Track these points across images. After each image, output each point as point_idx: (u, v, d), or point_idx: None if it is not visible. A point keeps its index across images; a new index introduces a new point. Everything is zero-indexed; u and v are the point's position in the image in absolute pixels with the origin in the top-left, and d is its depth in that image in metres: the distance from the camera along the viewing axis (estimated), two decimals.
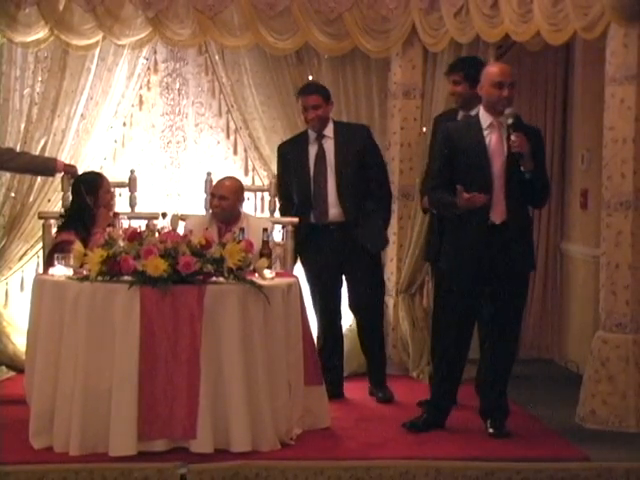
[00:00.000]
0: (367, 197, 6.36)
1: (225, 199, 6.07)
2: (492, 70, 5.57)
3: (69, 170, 6.52)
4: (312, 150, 6.37)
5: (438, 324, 6.01)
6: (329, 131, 6.37)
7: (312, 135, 6.39)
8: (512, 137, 5.42)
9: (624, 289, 5.85)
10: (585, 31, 5.86)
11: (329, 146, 6.35)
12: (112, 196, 6.29)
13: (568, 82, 7.68)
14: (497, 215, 5.48)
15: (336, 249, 6.33)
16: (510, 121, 5.46)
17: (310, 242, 6.37)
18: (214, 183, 6.32)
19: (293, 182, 6.43)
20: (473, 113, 5.89)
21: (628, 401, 5.80)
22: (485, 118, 5.54)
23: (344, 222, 6.32)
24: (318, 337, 6.35)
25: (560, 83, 7.72)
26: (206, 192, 6.71)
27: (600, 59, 6.12)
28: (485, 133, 5.52)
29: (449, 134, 5.63)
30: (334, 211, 6.33)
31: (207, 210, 6.41)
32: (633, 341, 5.83)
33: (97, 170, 6.73)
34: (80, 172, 6.59)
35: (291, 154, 6.46)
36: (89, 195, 6.18)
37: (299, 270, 6.84)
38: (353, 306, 6.53)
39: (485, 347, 5.76)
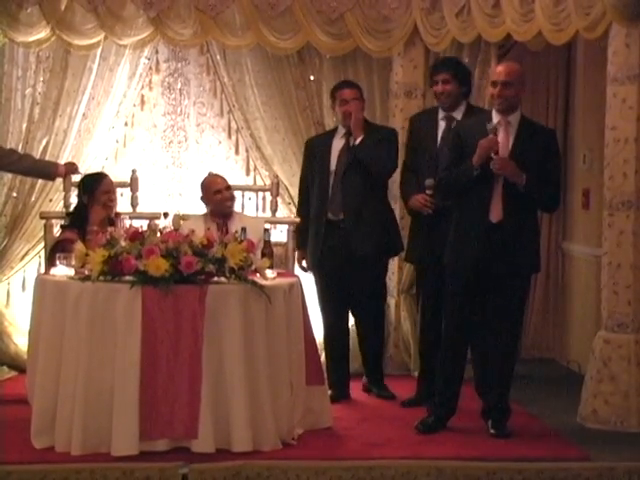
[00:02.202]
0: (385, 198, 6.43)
1: (230, 188, 6.27)
2: (494, 69, 5.60)
3: (70, 170, 6.52)
4: (338, 144, 6.35)
5: (425, 324, 6.20)
6: None
7: (341, 130, 6.38)
8: (493, 158, 5.40)
9: (626, 289, 5.85)
10: (587, 31, 5.86)
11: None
12: (111, 197, 6.27)
13: (570, 82, 7.68)
14: (494, 214, 5.47)
15: (347, 247, 6.29)
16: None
17: (325, 238, 6.32)
18: (202, 188, 6.31)
19: (314, 173, 6.40)
20: (455, 114, 6.03)
21: (630, 401, 5.80)
22: (495, 117, 5.54)
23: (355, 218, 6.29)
24: (324, 337, 6.36)
25: (562, 83, 7.71)
26: None
27: (602, 59, 6.11)
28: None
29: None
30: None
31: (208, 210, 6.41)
32: (635, 341, 5.83)
33: (100, 170, 6.73)
34: (82, 172, 6.61)
35: (316, 147, 6.45)
36: (85, 194, 6.22)
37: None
38: (354, 306, 6.51)
39: (488, 347, 5.76)
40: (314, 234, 6.38)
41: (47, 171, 6.50)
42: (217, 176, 6.38)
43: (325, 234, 6.33)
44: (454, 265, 5.61)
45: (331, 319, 6.43)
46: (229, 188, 6.28)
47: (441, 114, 6.18)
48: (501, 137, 5.50)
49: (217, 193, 6.24)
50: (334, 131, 6.48)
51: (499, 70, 5.56)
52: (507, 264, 5.48)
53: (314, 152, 6.46)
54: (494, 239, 5.46)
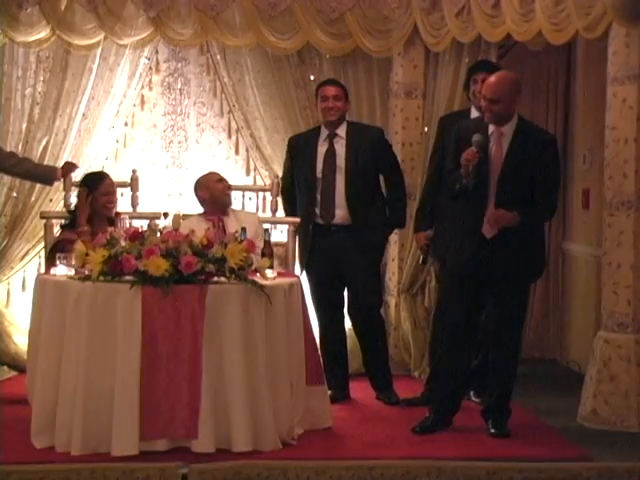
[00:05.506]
0: (375, 200, 6.36)
1: (227, 181, 6.31)
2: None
3: (68, 170, 6.50)
4: (322, 148, 6.33)
5: (436, 323, 6.15)
6: (342, 131, 6.32)
7: (324, 133, 6.35)
8: (485, 219, 5.37)
9: (626, 289, 5.86)
10: (587, 31, 5.86)
11: (340, 146, 6.29)
12: (110, 199, 6.23)
13: (570, 82, 7.69)
14: (487, 229, 5.41)
15: (338, 251, 6.30)
16: None
17: (314, 242, 6.34)
18: (201, 182, 6.31)
19: (300, 178, 6.41)
20: None
21: (630, 401, 5.80)
22: (489, 126, 5.48)
23: (349, 225, 6.27)
24: (320, 339, 6.36)
25: (562, 83, 7.72)
26: None
27: (602, 59, 6.12)
28: (490, 142, 5.44)
29: (459, 132, 5.59)
30: (340, 212, 6.28)
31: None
32: (635, 341, 5.84)
33: (102, 170, 6.72)
34: (82, 173, 6.60)
35: (300, 148, 6.43)
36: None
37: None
38: (352, 311, 6.49)
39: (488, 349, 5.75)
40: (303, 238, 6.38)
41: (46, 176, 6.49)
42: (212, 174, 6.38)
43: (314, 238, 6.32)
44: (452, 264, 5.62)
45: (326, 321, 6.42)
46: (227, 180, 6.33)
47: (474, 114, 6.06)
48: (495, 150, 5.42)
49: (219, 182, 6.25)
50: (317, 131, 6.42)
51: (487, 84, 5.43)
52: (504, 273, 5.45)
53: (298, 153, 6.44)
54: (488, 251, 5.41)
